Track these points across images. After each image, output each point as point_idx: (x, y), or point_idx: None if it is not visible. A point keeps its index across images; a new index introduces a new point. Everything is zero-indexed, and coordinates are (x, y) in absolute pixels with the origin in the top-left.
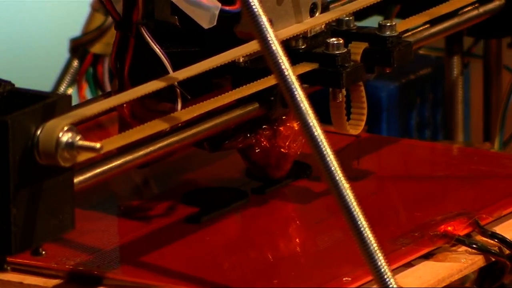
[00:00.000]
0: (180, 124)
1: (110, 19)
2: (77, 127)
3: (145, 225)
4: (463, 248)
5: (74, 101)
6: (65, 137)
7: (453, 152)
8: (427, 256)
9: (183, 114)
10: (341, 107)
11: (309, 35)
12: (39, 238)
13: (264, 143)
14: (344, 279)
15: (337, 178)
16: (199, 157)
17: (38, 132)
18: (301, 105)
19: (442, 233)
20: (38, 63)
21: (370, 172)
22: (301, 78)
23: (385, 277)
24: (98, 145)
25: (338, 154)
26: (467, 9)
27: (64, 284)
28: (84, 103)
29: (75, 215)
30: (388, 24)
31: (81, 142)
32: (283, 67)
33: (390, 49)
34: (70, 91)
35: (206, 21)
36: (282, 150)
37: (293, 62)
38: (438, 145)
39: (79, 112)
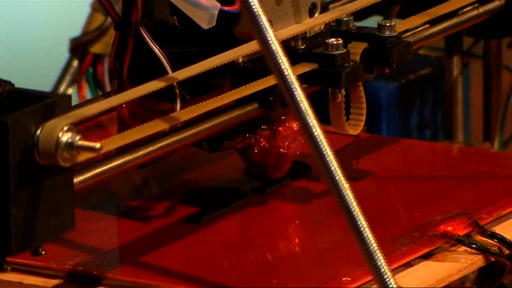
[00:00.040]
0: (179, 124)
1: (110, 19)
2: (77, 127)
3: (145, 225)
4: (463, 248)
5: (74, 101)
6: (65, 137)
7: (453, 152)
8: (426, 256)
9: (183, 114)
10: (340, 107)
11: (308, 35)
12: (39, 238)
13: (263, 143)
14: (344, 279)
15: (337, 178)
16: (198, 157)
17: (38, 132)
18: (301, 105)
19: (441, 233)
20: (38, 63)
21: (369, 172)
22: (301, 78)
23: (385, 277)
24: (98, 145)
25: (338, 154)
26: (467, 9)
27: (64, 284)
28: (84, 103)
29: (75, 215)
30: (388, 24)
31: (81, 142)
32: (283, 67)
33: (390, 49)
34: (70, 91)
35: (205, 21)
36: (281, 150)
37: (293, 62)
38: (438, 145)
39: (79, 112)
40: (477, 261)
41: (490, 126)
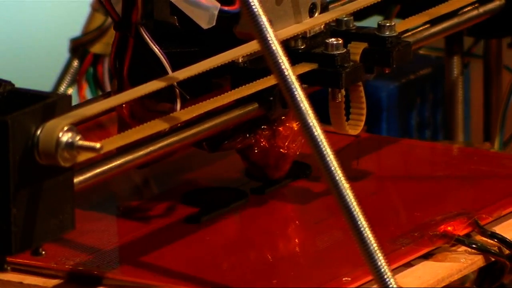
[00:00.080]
0: (179, 124)
1: (110, 19)
2: (77, 127)
3: (145, 225)
4: (463, 248)
5: (74, 101)
6: (65, 137)
7: (453, 152)
8: (426, 256)
9: (183, 114)
10: (340, 107)
11: (308, 35)
12: (39, 238)
13: (263, 143)
14: (344, 279)
15: (337, 178)
16: (198, 157)
17: (38, 132)
18: (301, 105)
19: (441, 233)
20: (38, 63)
21: (370, 172)
22: (301, 78)
23: (385, 277)
24: (98, 145)
25: (338, 154)
26: (467, 9)
27: (64, 284)
28: (84, 103)
29: (75, 215)
30: (388, 24)
31: (81, 142)
32: (283, 67)
33: (390, 49)
34: (70, 91)
35: (205, 21)
36: (281, 150)
37: (293, 62)
38: (438, 145)
39: (79, 112)
40: (477, 261)
41: (490, 126)
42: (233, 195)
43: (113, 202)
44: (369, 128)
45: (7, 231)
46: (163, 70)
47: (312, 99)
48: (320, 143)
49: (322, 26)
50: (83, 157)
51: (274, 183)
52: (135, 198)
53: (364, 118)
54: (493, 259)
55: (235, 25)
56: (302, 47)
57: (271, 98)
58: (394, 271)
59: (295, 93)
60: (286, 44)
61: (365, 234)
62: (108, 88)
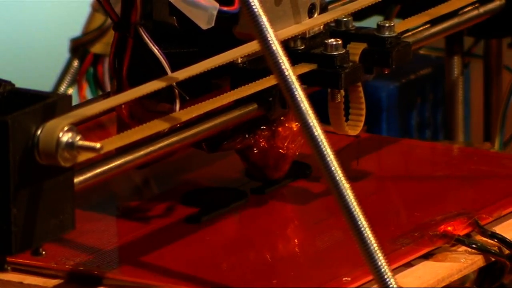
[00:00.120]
0: (179, 125)
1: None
2: (77, 127)
3: (145, 225)
4: (463, 248)
5: (74, 101)
6: (65, 137)
7: (453, 152)
8: (426, 256)
9: (182, 114)
10: (339, 108)
11: (307, 36)
12: (39, 238)
13: (263, 143)
14: (344, 279)
15: (337, 178)
16: (198, 157)
17: (38, 132)
18: (301, 105)
19: (442, 233)
20: (38, 63)
21: (370, 172)
22: (300, 78)
23: (385, 277)
24: (98, 145)
25: (338, 154)
26: (467, 9)
27: (64, 284)
28: (84, 103)
29: (75, 215)
30: (387, 24)
31: (81, 142)
32: (283, 67)
33: (389, 49)
34: (70, 91)
35: (204, 22)
36: (280, 151)
37: (292, 62)
38: (438, 145)
39: (79, 112)
40: (477, 261)
41: (491, 126)
42: (233, 195)
43: (113, 202)
44: (369, 128)
45: (7, 231)
46: (162, 71)
47: (312, 99)
48: (320, 143)
49: (321, 27)
50: (83, 157)
51: (274, 183)
52: (135, 198)
53: (363, 118)
54: (493, 259)
55: (234, 25)
56: (302, 47)
57: (271, 99)
58: (394, 271)
59: (295, 93)
60: (285, 44)
61: (365, 234)
62: (108, 88)
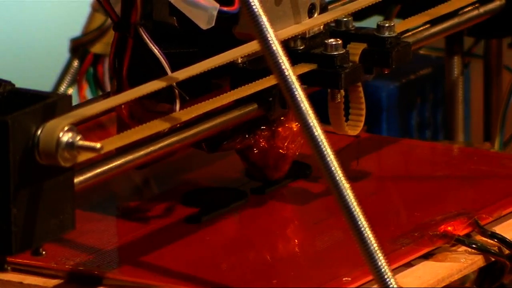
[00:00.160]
0: (179, 125)
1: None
2: (77, 127)
3: (145, 225)
4: (463, 248)
5: (74, 101)
6: (66, 137)
7: (453, 152)
8: (426, 256)
9: (182, 114)
10: (339, 108)
11: (307, 36)
12: (40, 238)
13: (263, 144)
14: (344, 279)
15: (337, 178)
16: (199, 157)
17: (39, 132)
18: (301, 105)
19: (442, 233)
20: (38, 63)
21: (370, 172)
22: (300, 79)
23: (385, 277)
24: (98, 145)
25: (338, 154)
26: (467, 9)
27: (64, 284)
28: (84, 103)
29: (75, 215)
30: (387, 24)
31: (81, 142)
32: (283, 67)
33: (389, 49)
34: (70, 91)
35: (204, 22)
36: (280, 151)
37: (292, 63)
38: (438, 145)
39: (79, 112)
40: (477, 261)
41: (491, 126)
42: (233, 195)
43: (113, 202)
44: (369, 128)
45: (7, 231)
46: (162, 71)
47: (312, 99)
48: (320, 143)
49: (321, 27)
50: (83, 157)
51: (274, 183)
52: (135, 198)
53: (363, 118)
54: (493, 259)
55: (234, 25)
56: (301, 47)
57: (271, 99)
58: (394, 271)
59: (295, 93)
60: (285, 44)
61: (365, 234)
62: (108, 88)
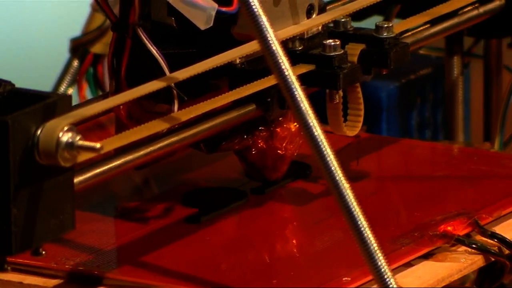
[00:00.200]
0: (177, 126)
1: None
2: (77, 127)
3: (145, 225)
4: (463, 248)
5: (74, 101)
6: (65, 137)
7: (453, 152)
8: (426, 256)
9: (180, 115)
10: (338, 109)
11: (306, 37)
12: (39, 238)
13: (261, 144)
14: (343, 279)
15: (337, 178)
16: (198, 157)
17: (38, 132)
18: (301, 105)
19: (441, 233)
20: (38, 63)
21: (370, 172)
22: (298, 79)
23: (385, 277)
24: (98, 145)
25: (338, 154)
26: (467, 9)
27: (64, 284)
28: (84, 103)
29: (75, 215)
30: (385, 25)
31: (81, 142)
32: (283, 67)
33: (387, 50)
34: (70, 91)
35: (202, 22)
36: (278, 151)
37: (290, 63)
38: (438, 145)
39: (79, 112)
40: (477, 261)
41: (490, 126)
42: (233, 195)
43: (113, 203)
44: (369, 128)
45: (7, 231)
46: (160, 71)
47: (311, 99)
48: (320, 143)
49: (319, 27)
50: (83, 157)
51: (274, 183)
52: (135, 198)
53: (361, 119)
54: (493, 259)
55: (232, 26)
56: (300, 48)
57: (269, 99)
58: (394, 271)
59: (295, 93)
60: (283, 45)
61: (365, 234)
62: (108, 88)
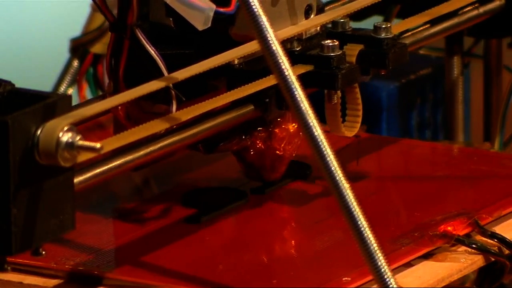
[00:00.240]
0: (175, 126)
1: None
2: (77, 127)
3: (145, 225)
4: (463, 248)
5: (74, 101)
6: (65, 137)
7: (453, 152)
8: (426, 256)
9: (179, 116)
10: (336, 109)
11: (304, 37)
12: (39, 238)
13: (259, 145)
14: (343, 279)
15: (337, 178)
16: (198, 157)
17: (38, 132)
18: (301, 105)
19: (441, 233)
20: (38, 63)
21: (370, 172)
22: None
23: (385, 277)
24: (98, 145)
25: (338, 154)
26: (467, 9)
27: (64, 284)
28: (84, 103)
29: (75, 215)
30: (384, 26)
31: (81, 142)
32: (283, 67)
33: (386, 51)
34: (70, 91)
35: (200, 23)
36: (277, 152)
37: None
38: (438, 145)
39: (79, 112)
40: (477, 261)
41: (490, 126)
42: (233, 195)
43: (113, 203)
44: (369, 128)
45: (7, 231)
46: (158, 72)
47: (312, 99)
48: (320, 143)
49: (318, 28)
50: (83, 157)
51: (274, 183)
52: (135, 198)
53: (360, 119)
54: (493, 259)
55: (230, 26)
56: (298, 48)
57: (267, 100)
58: (394, 271)
59: (295, 93)
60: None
61: (365, 234)
62: None
